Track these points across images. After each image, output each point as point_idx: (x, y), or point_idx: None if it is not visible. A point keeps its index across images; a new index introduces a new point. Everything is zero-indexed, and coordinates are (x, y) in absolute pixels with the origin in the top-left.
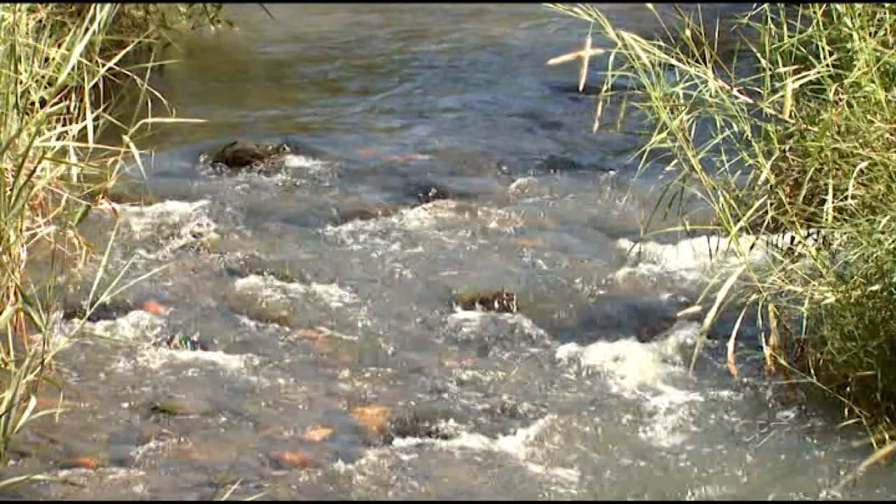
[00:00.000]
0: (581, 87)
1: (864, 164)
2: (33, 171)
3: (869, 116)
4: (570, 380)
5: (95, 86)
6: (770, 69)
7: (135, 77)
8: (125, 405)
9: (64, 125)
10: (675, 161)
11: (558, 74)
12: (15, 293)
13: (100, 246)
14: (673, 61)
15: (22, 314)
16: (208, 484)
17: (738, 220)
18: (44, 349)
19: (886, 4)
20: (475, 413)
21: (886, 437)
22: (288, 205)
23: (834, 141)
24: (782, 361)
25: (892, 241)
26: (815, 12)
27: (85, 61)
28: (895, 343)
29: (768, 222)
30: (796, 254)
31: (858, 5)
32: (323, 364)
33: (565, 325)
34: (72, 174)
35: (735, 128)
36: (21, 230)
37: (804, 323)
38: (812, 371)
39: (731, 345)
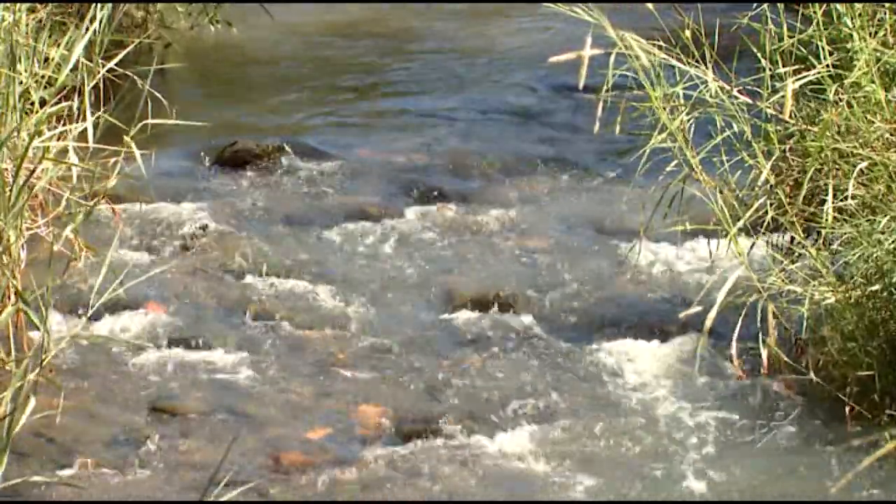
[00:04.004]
0: (581, 87)
1: (864, 164)
2: (33, 171)
3: (869, 116)
4: (570, 380)
5: (96, 86)
6: (770, 69)
7: (135, 78)
8: (125, 405)
9: (64, 125)
10: (676, 161)
11: (558, 74)
12: (15, 293)
13: (100, 246)
14: (673, 61)
15: (22, 314)
16: (208, 484)
17: (738, 220)
18: (43, 349)
19: (886, 4)
20: (475, 413)
21: (886, 436)
22: (288, 205)
23: (834, 141)
24: (785, 359)
25: (892, 241)
26: (815, 12)
27: (85, 61)
28: (895, 343)
29: (768, 222)
30: (796, 254)
31: (858, 5)
32: (323, 364)
33: (565, 326)
34: (72, 174)
35: (735, 128)
36: (21, 230)
37: (804, 323)
38: (812, 371)
39: (734, 345)
